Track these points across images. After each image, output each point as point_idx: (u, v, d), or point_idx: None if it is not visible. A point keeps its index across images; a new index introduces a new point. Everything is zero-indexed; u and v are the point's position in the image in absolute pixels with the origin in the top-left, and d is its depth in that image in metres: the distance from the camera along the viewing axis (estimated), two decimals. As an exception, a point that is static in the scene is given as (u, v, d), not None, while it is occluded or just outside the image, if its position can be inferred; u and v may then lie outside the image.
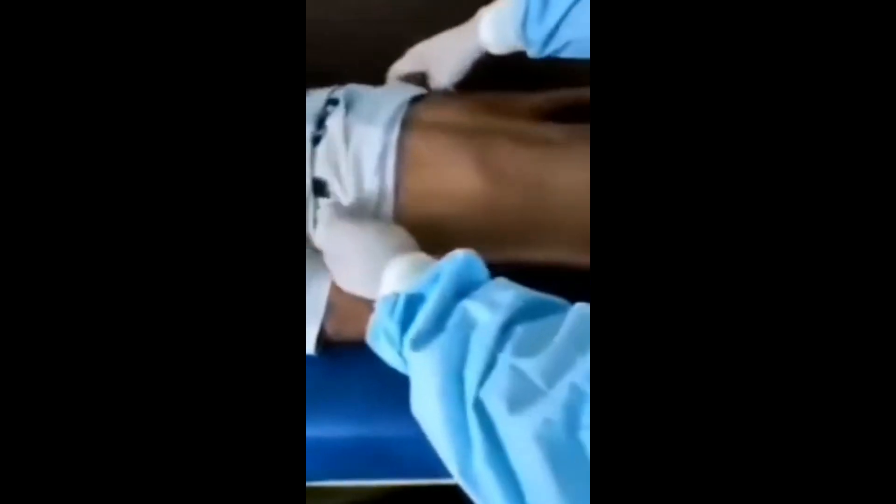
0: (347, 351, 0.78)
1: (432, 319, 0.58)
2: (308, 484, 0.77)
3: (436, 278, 0.60)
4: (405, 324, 0.60)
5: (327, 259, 0.74)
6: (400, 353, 0.61)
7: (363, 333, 0.78)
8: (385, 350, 0.63)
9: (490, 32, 0.83)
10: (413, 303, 0.60)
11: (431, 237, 0.76)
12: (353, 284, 0.70)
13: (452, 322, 0.58)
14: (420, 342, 0.58)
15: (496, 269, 0.64)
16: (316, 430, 0.74)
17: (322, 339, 0.77)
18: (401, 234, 0.71)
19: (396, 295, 0.61)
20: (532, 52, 0.82)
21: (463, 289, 0.60)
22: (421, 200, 0.80)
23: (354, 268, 0.70)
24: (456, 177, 0.79)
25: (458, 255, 0.61)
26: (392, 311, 0.60)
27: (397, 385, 0.77)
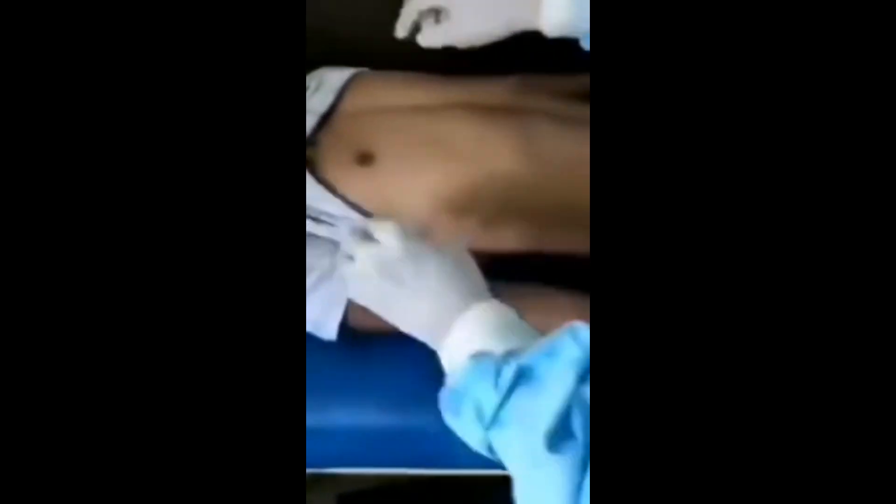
0: (375, 339, 0.79)
1: (557, 414, 0.49)
2: (314, 471, 0.78)
3: (552, 353, 0.51)
4: (506, 398, 0.50)
5: (376, 285, 0.61)
6: (487, 429, 0.51)
7: (389, 327, 0.79)
8: (466, 423, 0.53)
9: (551, 7, 0.70)
10: (525, 377, 0.51)
11: (465, 217, 0.77)
12: (412, 324, 0.60)
13: (575, 419, 0.49)
14: (549, 441, 0.49)
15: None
16: (338, 418, 0.76)
17: (347, 327, 0.77)
18: (475, 271, 0.62)
19: (497, 361, 0.52)
20: (584, 44, 0.73)
21: (584, 372, 0.50)
22: (456, 180, 0.79)
23: (421, 304, 0.59)
24: (494, 157, 0.78)
25: (580, 330, 0.51)
26: (495, 381, 0.51)
27: (422, 375, 0.78)
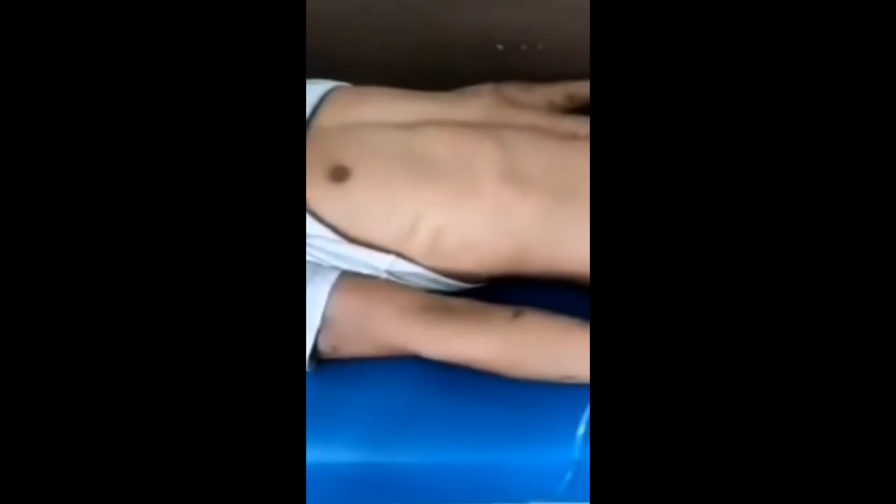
0: (345, 368, 0.75)
1: None
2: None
3: None
4: None
5: None
6: None
7: (363, 353, 0.75)
8: None
9: None
10: None
11: (449, 237, 0.74)
12: None
13: None
14: None
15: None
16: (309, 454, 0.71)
17: (316, 356, 0.73)
18: None
19: None
20: None
21: None
22: (438, 198, 0.76)
23: None
24: (475, 173, 0.76)
25: None
26: None
27: (397, 407, 0.74)
